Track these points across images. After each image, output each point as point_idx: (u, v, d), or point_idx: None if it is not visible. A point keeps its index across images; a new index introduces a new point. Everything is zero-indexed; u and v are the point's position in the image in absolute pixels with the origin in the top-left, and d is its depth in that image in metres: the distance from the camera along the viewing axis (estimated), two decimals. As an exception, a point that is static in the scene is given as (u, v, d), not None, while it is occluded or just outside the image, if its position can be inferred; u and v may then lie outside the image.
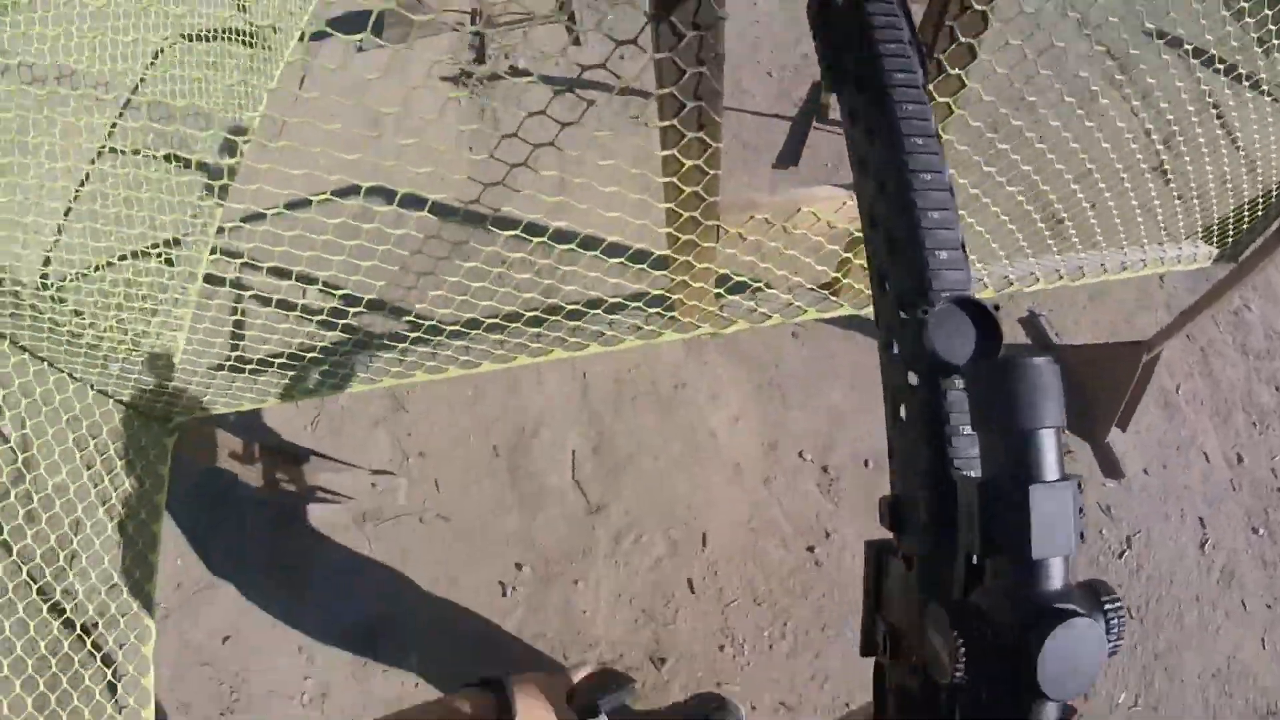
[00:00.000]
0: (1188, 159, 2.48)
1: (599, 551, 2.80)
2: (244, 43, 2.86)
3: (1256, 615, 3.03)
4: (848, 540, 2.83)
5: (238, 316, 3.00)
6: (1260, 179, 2.33)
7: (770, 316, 1.97)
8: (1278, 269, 3.61)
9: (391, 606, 2.79)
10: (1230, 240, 2.42)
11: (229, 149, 2.56)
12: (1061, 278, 2.16)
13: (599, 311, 1.88)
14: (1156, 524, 3.09)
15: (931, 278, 0.62)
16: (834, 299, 1.98)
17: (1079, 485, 0.51)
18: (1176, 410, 3.34)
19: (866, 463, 2.93)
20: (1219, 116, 3.34)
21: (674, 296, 1.82)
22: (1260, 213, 2.34)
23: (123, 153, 2.54)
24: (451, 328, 1.86)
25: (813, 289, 1.99)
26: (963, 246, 0.65)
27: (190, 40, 2.67)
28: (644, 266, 1.81)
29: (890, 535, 0.68)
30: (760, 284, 1.96)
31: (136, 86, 2.54)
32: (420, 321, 1.83)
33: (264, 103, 2.76)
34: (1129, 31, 3.75)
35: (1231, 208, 2.38)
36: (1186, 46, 3.25)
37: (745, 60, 4.00)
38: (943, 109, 1.35)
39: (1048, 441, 0.52)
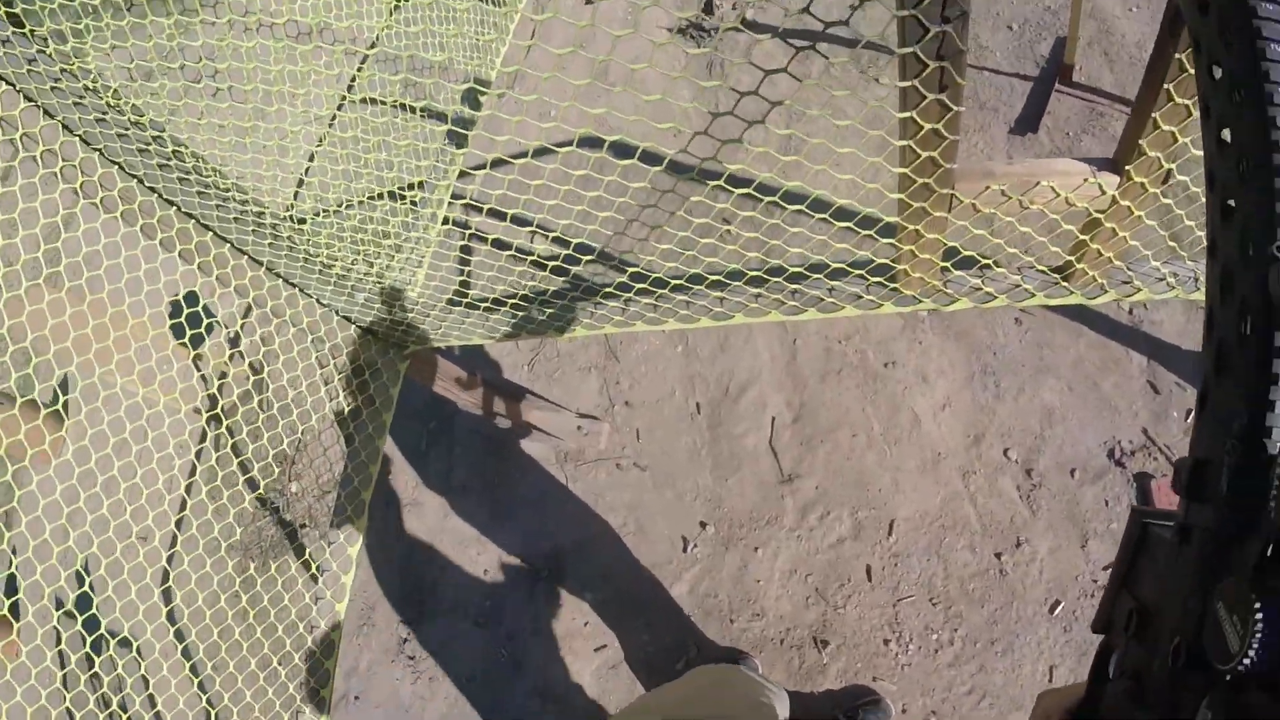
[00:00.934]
0: None
1: (784, 522, 2.77)
2: None
3: None
4: (1039, 553, 2.66)
5: (476, 258, 3.15)
6: None
7: (995, 297, 1.85)
8: None
9: (579, 544, 2.89)
10: None
11: (471, 100, 2.70)
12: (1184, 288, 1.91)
13: (820, 276, 1.82)
14: None
15: None
16: (1065, 285, 1.83)
17: None
18: None
19: (1073, 472, 2.73)
20: None
21: (898, 267, 1.75)
22: None
23: (374, 102, 2.74)
24: (675, 282, 1.86)
25: (1044, 271, 1.86)
26: None
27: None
28: (871, 233, 1.74)
29: (1157, 506, 0.61)
30: (989, 261, 1.85)
31: (376, 40, 2.71)
32: (646, 274, 1.86)
33: (502, 55, 2.87)
34: None
35: None
36: None
37: (982, 12, 3.75)
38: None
39: None
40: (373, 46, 2.71)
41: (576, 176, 1.61)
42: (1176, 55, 1.18)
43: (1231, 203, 0.58)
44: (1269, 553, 0.45)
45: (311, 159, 2.48)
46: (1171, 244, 1.95)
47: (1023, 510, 2.70)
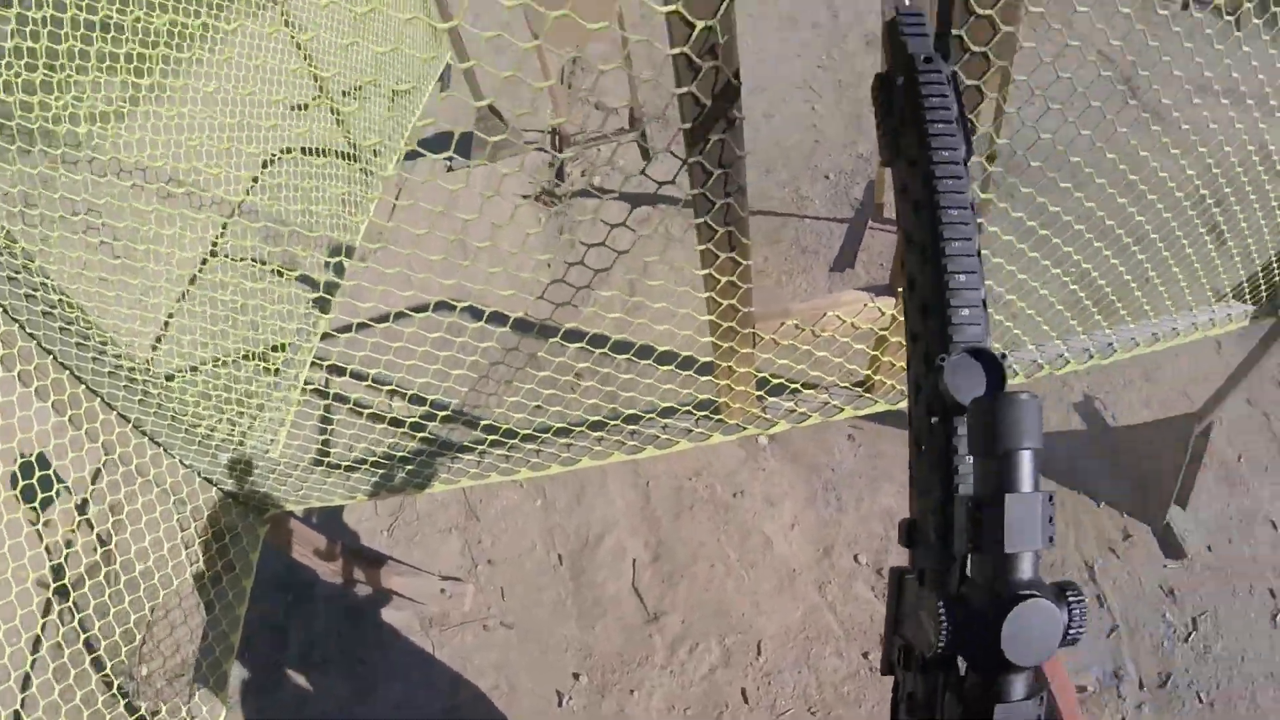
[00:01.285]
0: (1239, 213, 2.45)
1: (655, 660, 2.77)
2: (346, 157, 3.07)
3: None
4: (909, 645, 2.75)
5: (338, 418, 3.10)
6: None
7: (809, 416, 2.01)
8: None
9: (449, 713, 2.79)
10: (1265, 295, 2.40)
11: (337, 268, 2.73)
12: (1092, 356, 2.17)
13: (654, 415, 1.94)
14: (1224, 601, 3.02)
15: (953, 332, 0.71)
16: (869, 396, 2.02)
17: (1049, 498, 0.59)
18: (1239, 480, 3.29)
19: (923, 558, 2.87)
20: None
21: (720, 400, 1.88)
22: None
23: (236, 260, 2.73)
24: (525, 432, 1.94)
25: (848, 387, 2.03)
26: (984, 304, 0.73)
27: (297, 153, 2.88)
28: (691, 373, 1.86)
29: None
30: (798, 385, 2.00)
31: (248, 191, 2.73)
32: (497, 426, 1.93)
33: (366, 222, 2.93)
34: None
35: (1261, 260, 2.36)
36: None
37: (803, 167, 4.13)
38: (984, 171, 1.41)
39: (1024, 459, 0.59)
40: (241, 202, 2.72)
41: (432, 338, 1.70)
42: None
43: (915, 329, 0.78)
44: (963, 572, 0.63)
45: (173, 316, 2.43)
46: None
47: (880, 610, 2.81)
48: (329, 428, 3.09)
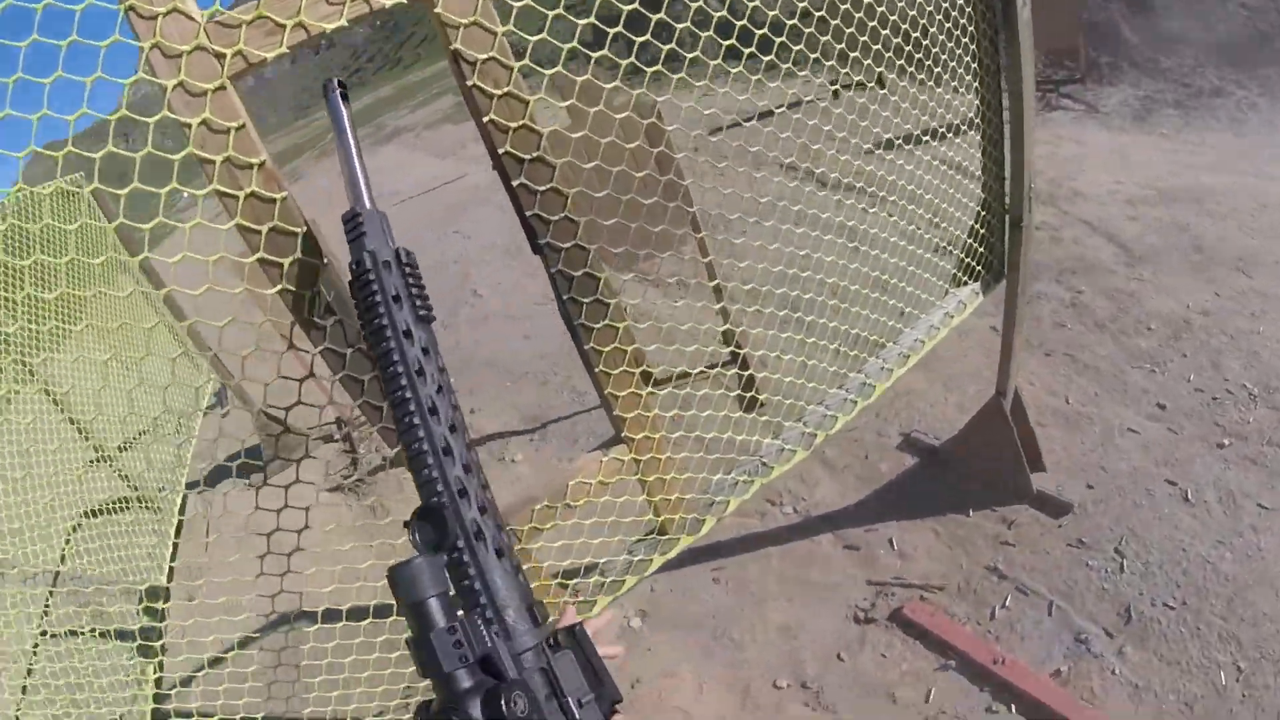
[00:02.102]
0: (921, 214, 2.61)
1: None
2: (145, 507, 3.13)
3: (1276, 506, 2.94)
4: (863, 736, 2.64)
5: None
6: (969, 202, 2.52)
7: (623, 582, 2.03)
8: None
9: None
10: (980, 267, 2.57)
11: (151, 612, 2.69)
12: (856, 402, 2.25)
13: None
14: (1133, 517, 3.01)
15: (421, 494, 0.87)
16: (668, 537, 2.07)
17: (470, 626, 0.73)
18: (1079, 417, 3.37)
19: (839, 655, 2.81)
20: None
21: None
22: (984, 229, 2.52)
23: (57, 635, 2.68)
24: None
25: (643, 539, 2.08)
26: (440, 453, 0.88)
27: (93, 516, 2.92)
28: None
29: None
30: (599, 561, 2.05)
31: (61, 560, 2.71)
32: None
33: (171, 562, 2.93)
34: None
35: (960, 242, 2.53)
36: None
37: (573, 365, 4.37)
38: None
39: (426, 608, 0.73)
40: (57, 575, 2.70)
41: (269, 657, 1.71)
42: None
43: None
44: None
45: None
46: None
47: (824, 717, 2.69)
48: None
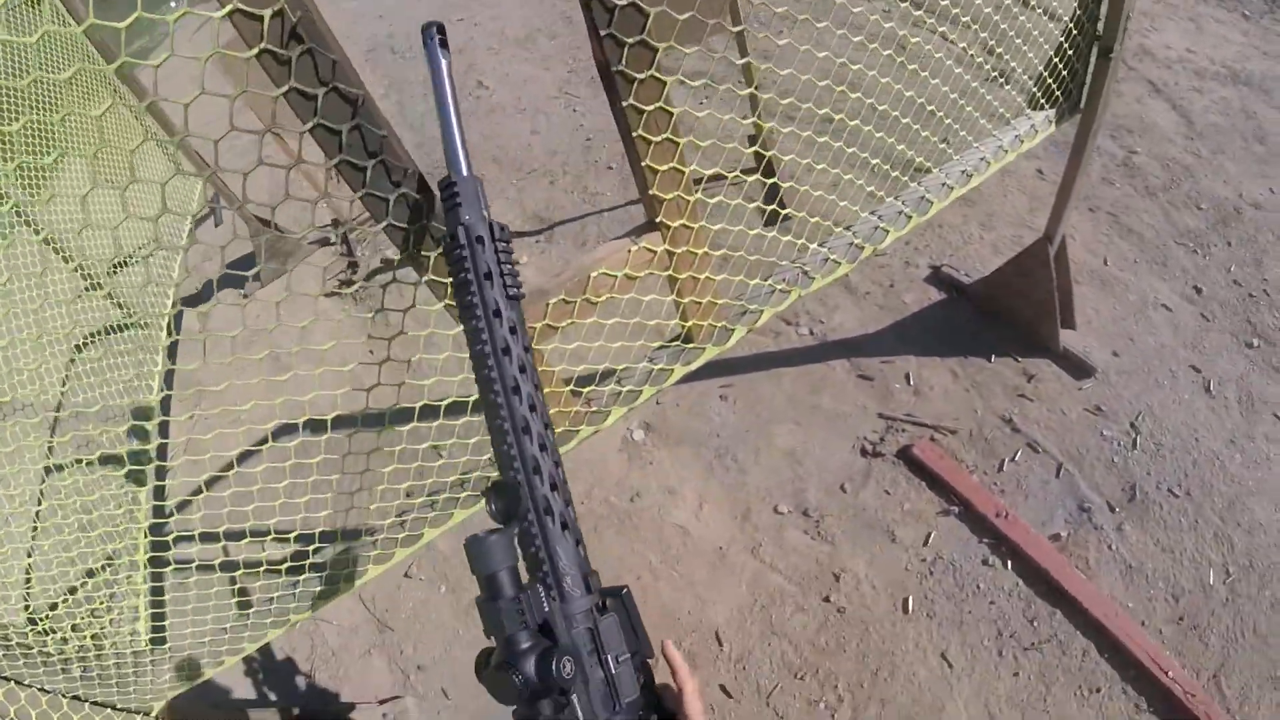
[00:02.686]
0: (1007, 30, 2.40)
1: None
2: (137, 327, 3.02)
3: None
4: (859, 573, 2.64)
5: (194, 590, 2.93)
6: (1059, 21, 2.30)
7: (640, 391, 1.89)
8: (1132, 104, 3.62)
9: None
10: (1059, 94, 2.38)
11: (139, 433, 2.61)
12: (910, 217, 2.08)
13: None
14: (1153, 395, 2.94)
15: (501, 467, 0.93)
16: (694, 346, 1.91)
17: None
18: (1114, 281, 3.25)
19: (843, 487, 2.78)
20: None
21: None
22: (1071, 52, 2.31)
23: (63, 468, 2.64)
24: (391, 520, 1.84)
25: (666, 345, 1.93)
26: (521, 431, 0.92)
27: (84, 346, 2.82)
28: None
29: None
30: (616, 368, 1.90)
31: (60, 404, 2.62)
32: (364, 524, 1.86)
33: (159, 381, 2.85)
34: None
35: (1042, 62, 2.33)
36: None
37: (584, 166, 4.13)
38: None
39: (497, 579, 0.81)
40: (58, 410, 2.64)
41: (279, 469, 1.61)
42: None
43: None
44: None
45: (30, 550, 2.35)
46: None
47: (822, 547, 2.68)
48: (187, 606, 2.94)
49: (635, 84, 1.35)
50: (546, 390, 1.70)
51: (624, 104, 1.37)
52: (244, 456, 2.72)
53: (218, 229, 4.60)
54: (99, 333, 3.14)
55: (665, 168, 1.50)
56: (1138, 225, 3.49)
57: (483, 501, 0.91)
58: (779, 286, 1.96)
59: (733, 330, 1.92)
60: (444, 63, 1.00)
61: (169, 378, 3.49)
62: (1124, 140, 3.96)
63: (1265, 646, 2.50)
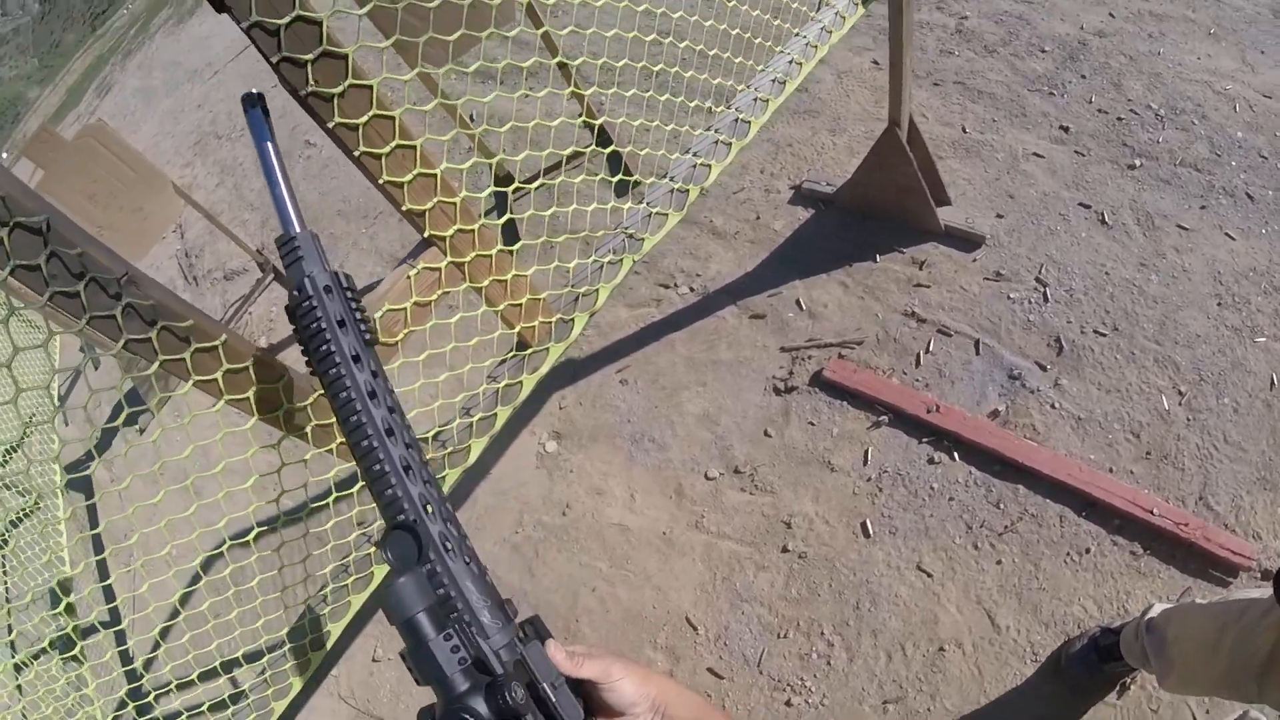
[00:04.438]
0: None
1: None
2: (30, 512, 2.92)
3: (1198, 229, 2.83)
4: (809, 513, 2.53)
5: None
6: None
7: (494, 416, 1.76)
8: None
9: None
10: None
11: (69, 610, 2.51)
12: (729, 144, 1.97)
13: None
14: (1049, 244, 2.88)
15: (385, 513, 0.86)
16: (534, 350, 1.78)
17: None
18: (979, 146, 3.18)
19: (766, 433, 2.67)
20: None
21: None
22: None
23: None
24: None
25: (502, 360, 1.79)
26: (405, 472, 0.86)
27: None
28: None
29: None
30: (452, 402, 1.76)
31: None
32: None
33: (67, 554, 2.74)
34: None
35: None
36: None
37: (369, 214, 4.02)
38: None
39: (415, 624, 0.74)
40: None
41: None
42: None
43: None
44: None
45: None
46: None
47: (764, 500, 2.57)
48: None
49: (335, 101, 1.21)
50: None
51: (330, 126, 1.23)
52: (185, 598, 2.57)
53: (98, 371, 4.43)
54: (8, 526, 3.01)
55: (409, 177, 1.35)
56: (987, 86, 3.43)
57: (378, 555, 0.84)
58: (606, 260, 1.84)
59: (572, 320, 1.80)
60: (266, 127, 1.02)
61: (97, 542, 3.34)
62: (952, 8, 3.92)
63: (1242, 452, 2.44)
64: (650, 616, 2.50)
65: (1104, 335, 2.67)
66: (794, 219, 3.12)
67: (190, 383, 1.14)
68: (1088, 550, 2.37)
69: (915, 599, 2.37)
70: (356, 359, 0.92)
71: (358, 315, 0.95)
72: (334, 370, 0.91)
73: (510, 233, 3.08)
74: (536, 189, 3.15)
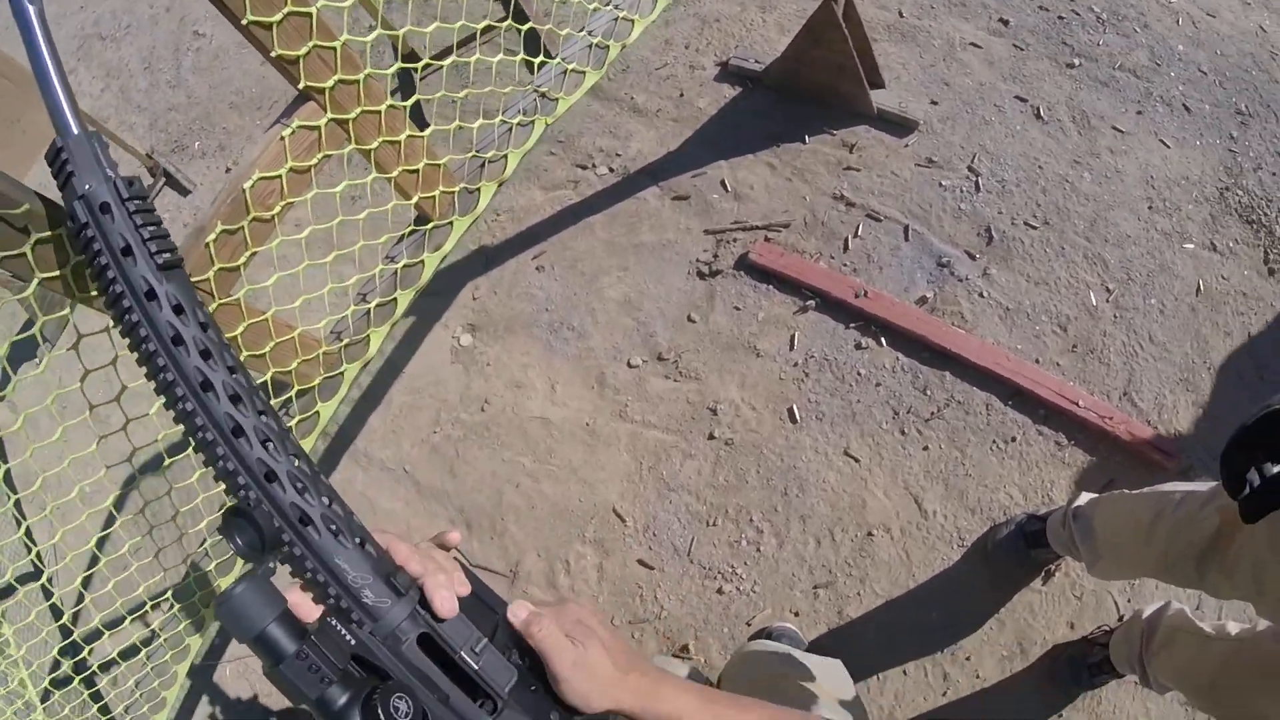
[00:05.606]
0: None
1: (544, 603, 2.38)
2: None
3: (1133, 133, 2.84)
4: (734, 399, 2.51)
5: None
6: None
7: (394, 301, 1.65)
8: None
9: None
10: None
11: None
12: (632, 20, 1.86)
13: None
14: (984, 134, 2.86)
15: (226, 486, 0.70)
16: (435, 224, 1.65)
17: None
18: (915, 31, 3.12)
19: (690, 318, 2.62)
20: None
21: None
22: None
23: None
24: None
25: (400, 238, 1.66)
26: (233, 433, 0.70)
27: None
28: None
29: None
30: (346, 284, 1.63)
31: None
32: None
33: None
34: None
35: None
36: None
37: None
38: None
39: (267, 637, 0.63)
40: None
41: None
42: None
43: None
44: None
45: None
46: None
47: (689, 387, 2.54)
48: None
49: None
50: (274, 343, 1.42)
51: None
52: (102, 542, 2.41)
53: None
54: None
55: (278, 17, 1.18)
56: (924, -32, 3.34)
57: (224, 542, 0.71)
58: (515, 121, 1.71)
59: (477, 189, 1.68)
60: (29, 8, 0.79)
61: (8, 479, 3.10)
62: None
63: (1166, 353, 2.50)
64: (577, 510, 2.46)
65: (1034, 228, 2.67)
66: (720, 97, 3.02)
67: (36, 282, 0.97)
68: (1014, 439, 2.39)
69: (843, 484, 2.37)
70: (150, 294, 0.73)
71: (147, 234, 0.75)
72: (127, 315, 0.73)
73: (418, 117, 2.92)
74: (449, 65, 2.99)
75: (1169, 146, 2.82)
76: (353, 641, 0.65)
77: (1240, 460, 1.08)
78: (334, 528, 0.69)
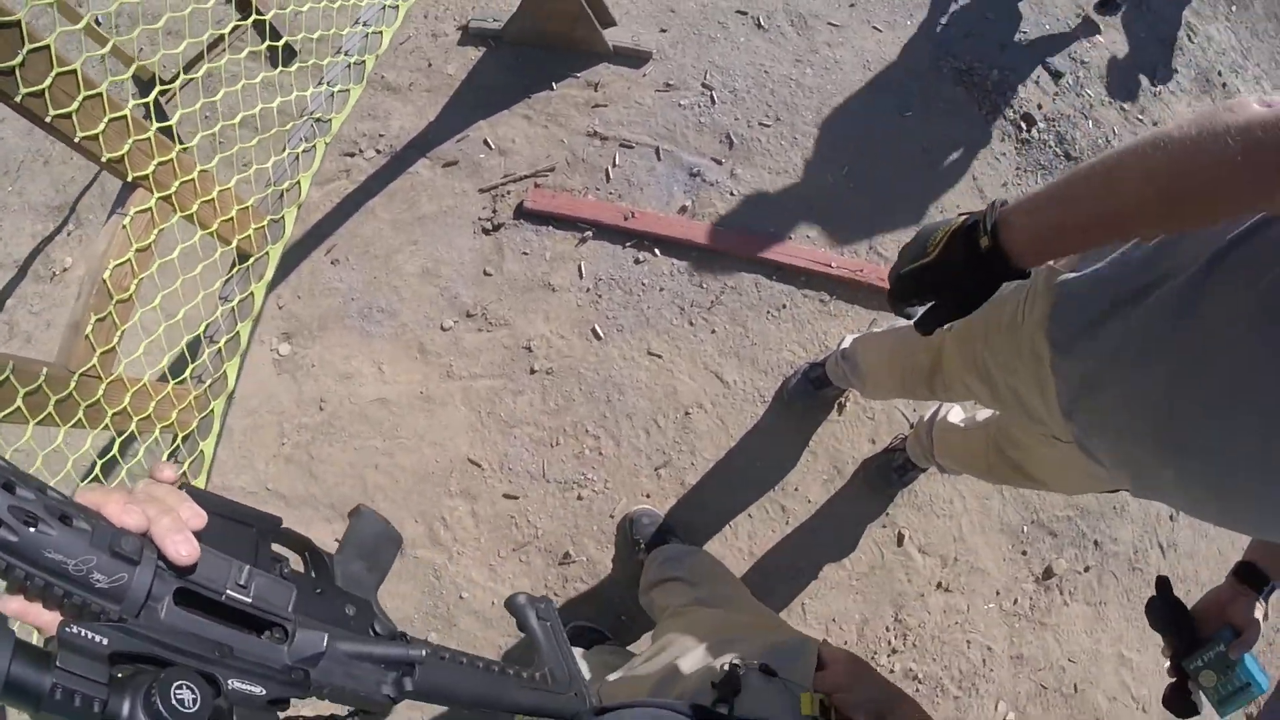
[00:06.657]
0: None
1: (445, 571, 2.60)
2: None
3: (848, 25, 3.26)
4: (544, 333, 2.81)
5: None
6: None
7: (237, 335, 1.83)
8: None
9: None
10: None
11: None
12: (399, 7, 2.06)
13: None
14: (712, 52, 3.21)
15: None
16: (256, 257, 1.84)
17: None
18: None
19: (485, 272, 2.89)
20: None
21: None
22: None
23: None
24: None
25: (228, 278, 1.85)
26: None
27: None
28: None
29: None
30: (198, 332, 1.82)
31: None
32: None
33: None
34: None
35: None
36: None
37: None
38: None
39: None
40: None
41: None
42: None
43: None
44: None
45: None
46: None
47: (501, 334, 2.81)
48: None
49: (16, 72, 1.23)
50: (154, 401, 1.63)
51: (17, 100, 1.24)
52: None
53: None
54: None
55: (101, 127, 1.38)
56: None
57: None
58: (300, 150, 1.93)
59: (282, 216, 1.88)
60: None
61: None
62: None
63: (903, 204, 2.97)
64: (437, 470, 2.70)
65: (769, 126, 3.06)
66: (467, 60, 3.24)
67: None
68: (784, 306, 2.80)
69: (653, 379, 2.72)
70: None
71: None
72: None
73: (170, 137, 2.97)
74: (182, 87, 3.05)
75: (881, 31, 3.26)
76: (104, 641, 0.54)
77: (908, 294, 1.22)
78: (30, 518, 0.54)
